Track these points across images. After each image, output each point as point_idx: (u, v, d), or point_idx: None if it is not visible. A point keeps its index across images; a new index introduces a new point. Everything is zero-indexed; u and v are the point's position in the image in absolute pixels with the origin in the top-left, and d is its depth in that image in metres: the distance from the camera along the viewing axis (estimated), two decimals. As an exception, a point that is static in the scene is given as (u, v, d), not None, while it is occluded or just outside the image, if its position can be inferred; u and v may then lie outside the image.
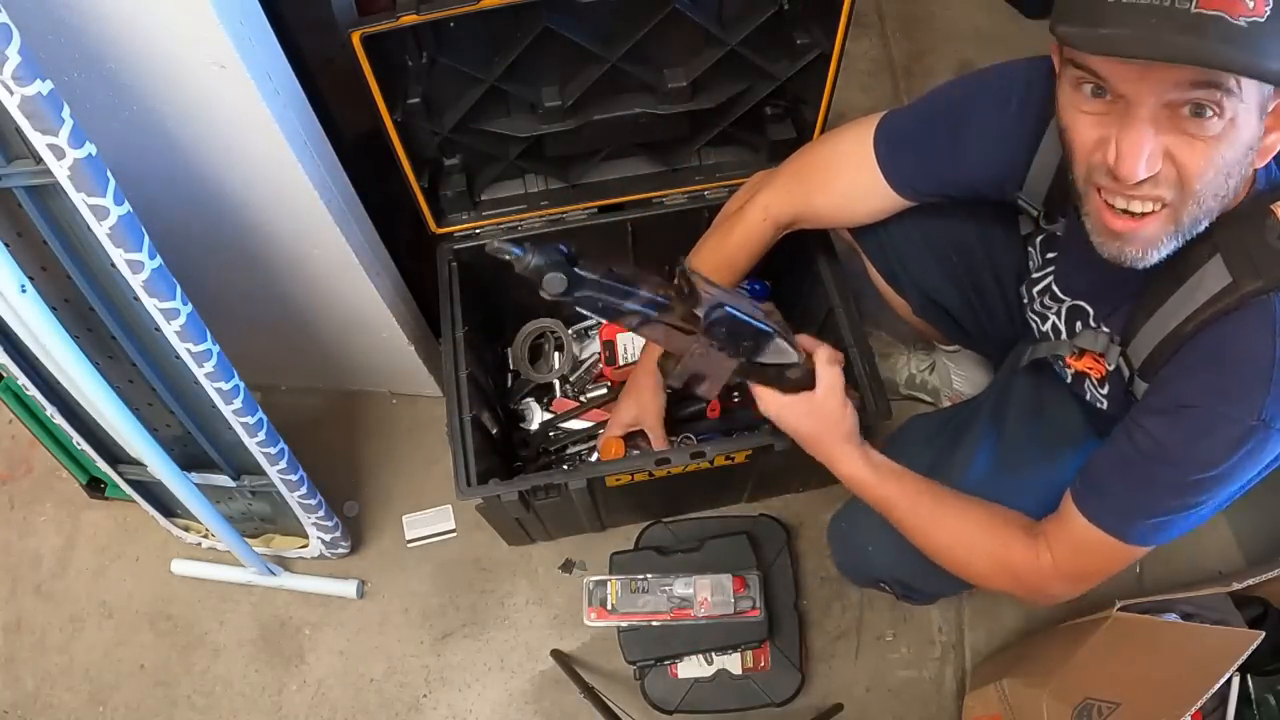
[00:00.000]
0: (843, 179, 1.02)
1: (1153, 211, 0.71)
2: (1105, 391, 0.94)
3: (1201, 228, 0.73)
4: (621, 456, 1.21)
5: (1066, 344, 0.96)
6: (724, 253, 1.11)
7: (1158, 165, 0.68)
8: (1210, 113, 0.65)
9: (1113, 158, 0.68)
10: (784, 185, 1.08)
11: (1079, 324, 0.94)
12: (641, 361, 1.27)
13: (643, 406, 1.23)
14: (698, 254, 1.13)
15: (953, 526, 0.93)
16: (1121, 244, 0.74)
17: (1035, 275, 1.02)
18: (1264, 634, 0.94)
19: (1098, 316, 0.92)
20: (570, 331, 1.52)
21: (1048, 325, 1.00)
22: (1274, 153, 0.72)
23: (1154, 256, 0.74)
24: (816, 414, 0.94)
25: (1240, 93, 0.64)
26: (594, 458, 1.41)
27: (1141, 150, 0.67)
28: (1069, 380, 1.00)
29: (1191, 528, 0.81)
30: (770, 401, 0.94)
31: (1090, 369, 0.94)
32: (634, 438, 1.32)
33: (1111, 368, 0.90)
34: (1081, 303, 0.94)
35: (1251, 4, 0.59)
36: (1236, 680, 1.04)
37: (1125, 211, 0.72)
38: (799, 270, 1.35)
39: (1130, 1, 0.62)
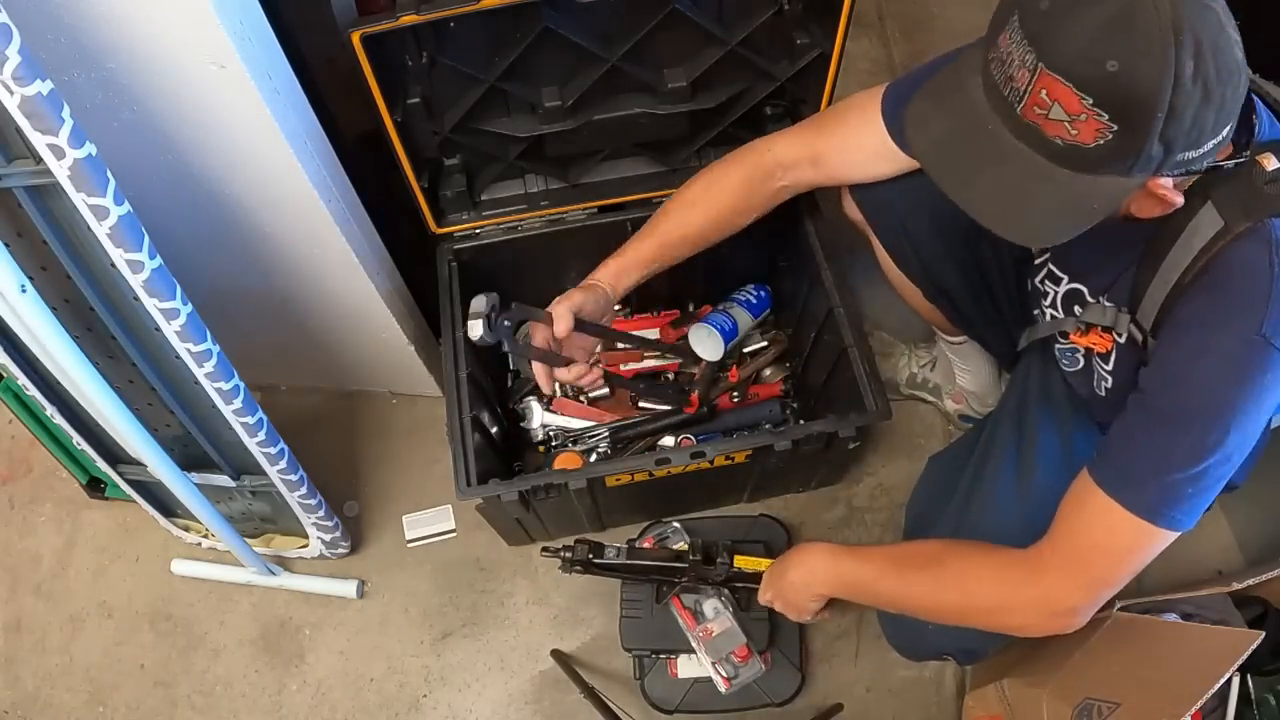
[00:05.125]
0: (848, 124, 1.04)
1: None
2: (1110, 368, 0.93)
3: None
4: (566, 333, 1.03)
5: (1071, 320, 0.96)
6: (713, 175, 1.09)
7: None
8: None
9: None
10: (792, 130, 1.10)
11: (1076, 307, 0.95)
12: (603, 272, 1.09)
13: (590, 300, 1.06)
14: (693, 178, 1.10)
15: (948, 580, 0.92)
16: None
17: (1038, 262, 1.03)
18: (1264, 634, 0.94)
19: (1093, 293, 0.92)
20: (570, 331, 1.52)
21: (1047, 303, 1.01)
22: (1163, 205, 0.74)
23: None
24: (788, 562, 1.08)
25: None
26: (593, 458, 1.41)
27: None
28: (1080, 367, 1.00)
29: (1203, 495, 0.77)
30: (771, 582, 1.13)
31: (1095, 344, 0.93)
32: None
33: (1123, 338, 0.89)
34: (1077, 284, 0.95)
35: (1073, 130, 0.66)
36: (1236, 680, 1.04)
37: None
38: (799, 271, 1.35)
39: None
